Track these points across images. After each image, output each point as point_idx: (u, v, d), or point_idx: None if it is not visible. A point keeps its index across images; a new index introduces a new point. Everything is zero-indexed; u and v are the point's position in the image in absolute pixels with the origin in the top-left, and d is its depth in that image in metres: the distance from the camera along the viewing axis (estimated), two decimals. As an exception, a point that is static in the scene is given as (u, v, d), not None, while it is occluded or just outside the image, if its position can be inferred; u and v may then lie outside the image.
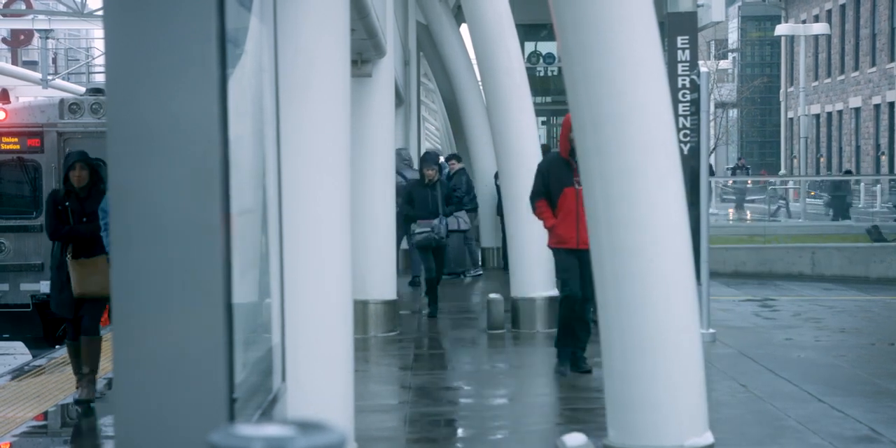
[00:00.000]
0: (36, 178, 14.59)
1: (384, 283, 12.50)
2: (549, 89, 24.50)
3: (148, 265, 3.26)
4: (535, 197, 9.86)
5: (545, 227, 9.89)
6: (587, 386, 9.56)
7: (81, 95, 16.62)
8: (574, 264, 9.65)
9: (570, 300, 9.71)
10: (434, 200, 13.97)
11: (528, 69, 13.61)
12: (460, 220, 15.40)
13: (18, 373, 10.35)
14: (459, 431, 8.41)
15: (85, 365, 8.77)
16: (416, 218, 14.02)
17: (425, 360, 11.29)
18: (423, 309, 14.12)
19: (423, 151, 19.68)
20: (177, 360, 3.26)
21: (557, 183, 9.68)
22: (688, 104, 17.94)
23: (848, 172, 34.84)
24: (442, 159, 19.50)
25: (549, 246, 10.02)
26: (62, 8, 33.31)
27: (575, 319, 9.77)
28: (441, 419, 8.71)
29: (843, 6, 47.90)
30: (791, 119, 54.33)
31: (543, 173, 9.85)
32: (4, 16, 37.72)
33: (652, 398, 6.14)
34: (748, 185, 31.35)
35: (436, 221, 13.82)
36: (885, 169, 42.18)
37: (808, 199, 26.39)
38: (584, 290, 9.57)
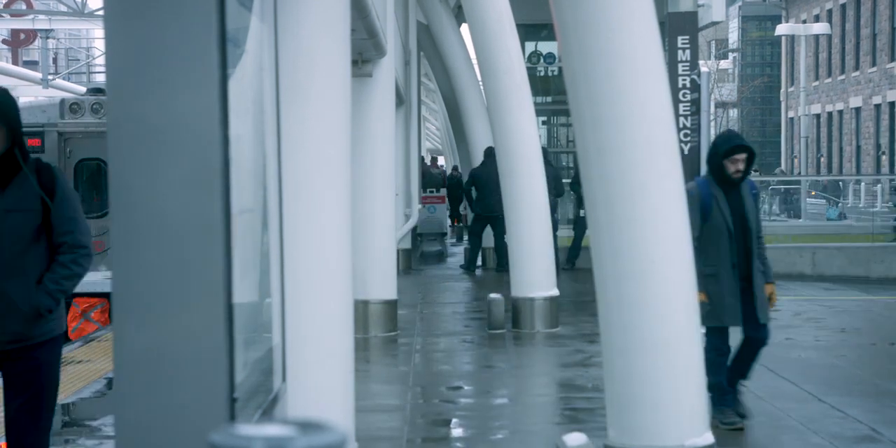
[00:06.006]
0: None
1: (384, 283, 12.51)
2: (549, 89, 24.50)
3: (148, 264, 3.26)
4: None
5: None
6: (587, 386, 9.56)
7: (82, 95, 16.62)
8: None
9: None
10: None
11: (528, 69, 13.61)
12: None
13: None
14: (459, 431, 8.41)
15: None
16: None
17: (425, 360, 11.28)
18: None
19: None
20: (177, 360, 3.25)
21: None
22: (688, 104, 17.99)
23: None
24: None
25: None
26: (62, 8, 33.31)
27: None
28: (441, 419, 8.71)
29: (843, 6, 47.91)
30: (791, 119, 54.35)
31: None
32: (6, 15, 37.72)
33: (652, 398, 6.14)
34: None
35: None
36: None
37: (808, 199, 26.31)
38: None
